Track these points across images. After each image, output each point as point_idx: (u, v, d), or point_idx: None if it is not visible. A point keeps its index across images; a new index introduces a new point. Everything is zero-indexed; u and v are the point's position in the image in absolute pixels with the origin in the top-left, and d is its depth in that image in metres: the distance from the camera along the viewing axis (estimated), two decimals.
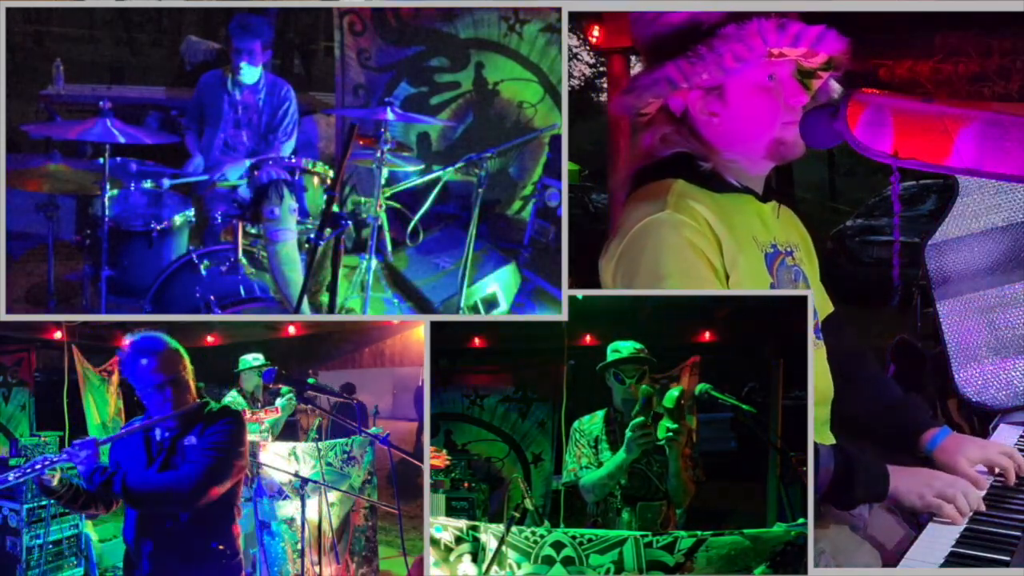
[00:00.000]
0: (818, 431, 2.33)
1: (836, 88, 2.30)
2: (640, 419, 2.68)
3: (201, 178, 4.12)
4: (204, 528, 2.45)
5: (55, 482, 2.37)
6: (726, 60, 2.12)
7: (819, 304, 2.42)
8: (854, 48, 2.20)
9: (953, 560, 2.01)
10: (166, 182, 4.00)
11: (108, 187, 3.55)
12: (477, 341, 3.43)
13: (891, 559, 2.19)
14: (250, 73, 4.24)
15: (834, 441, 2.34)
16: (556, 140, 4.50)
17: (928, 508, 2.18)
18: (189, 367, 2.53)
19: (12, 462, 3.03)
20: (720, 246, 2.13)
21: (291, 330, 3.69)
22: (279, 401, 3.60)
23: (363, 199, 4.02)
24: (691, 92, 2.20)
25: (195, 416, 2.49)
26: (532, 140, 4.58)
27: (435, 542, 2.66)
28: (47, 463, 2.35)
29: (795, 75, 2.20)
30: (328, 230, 3.11)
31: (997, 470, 2.34)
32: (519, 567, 2.58)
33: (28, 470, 2.35)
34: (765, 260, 2.22)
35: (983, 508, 2.19)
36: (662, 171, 2.22)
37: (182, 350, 2.53)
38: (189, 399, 2.50)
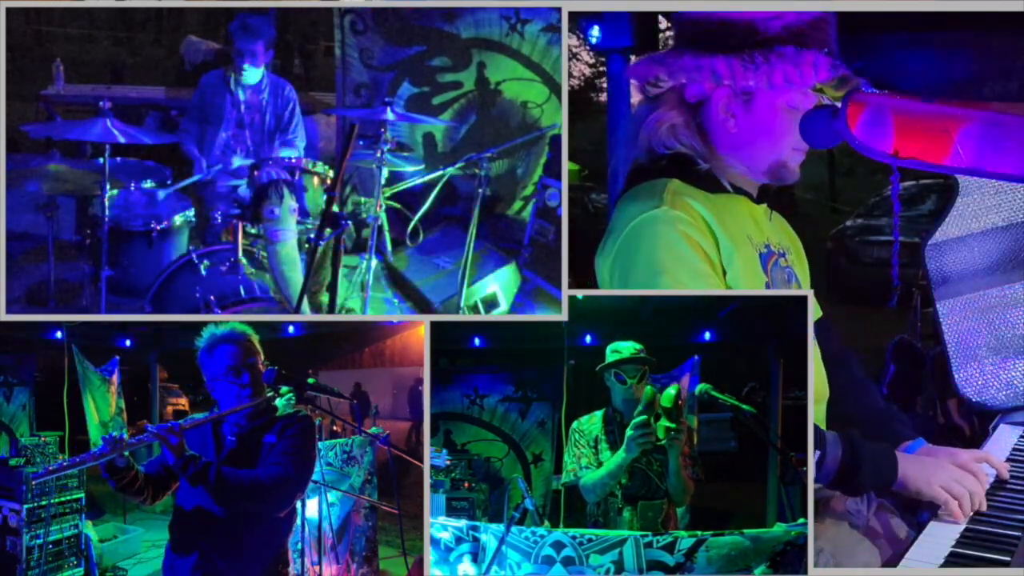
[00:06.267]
0: None
1: None
2: (642, 418, 2.68)
3: (197, 177, 4.11)
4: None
5: (125, 463, 2.30)
6: (776, 76, 2.13)
7: None
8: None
9: (953, 560, 2.01)
10: (161, 193, 3.99)
11: (108, 187, 3.55)
12: (477, 341, 3.43)
13: (891, 559, 2.19)
14: (253, 74, 4.24)
15: None
16: (556, 140, 4.51)
17: (934, 499, 2.18)
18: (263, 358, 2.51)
19: (12, 462, 3.03)
20: (717, 242, 2.13)
21: (291, 330, 3.69)
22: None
23: (363, 199, 4.03)
24: (721, 88, 2.20)
25: (265, 410, 2.47)
26: (535, 140, 4.58)
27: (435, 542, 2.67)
28: (131, 445, 2.26)
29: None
30: (328, 230, 3.11)
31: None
32: (519, 567, 2.58)
33: (107, 448, 2.24)
34: (760, 260, 2.23)
35: (984, 508, 2.19)
36: (657, 171, 2.21)
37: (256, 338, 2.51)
38: (260, 392, 2.47)
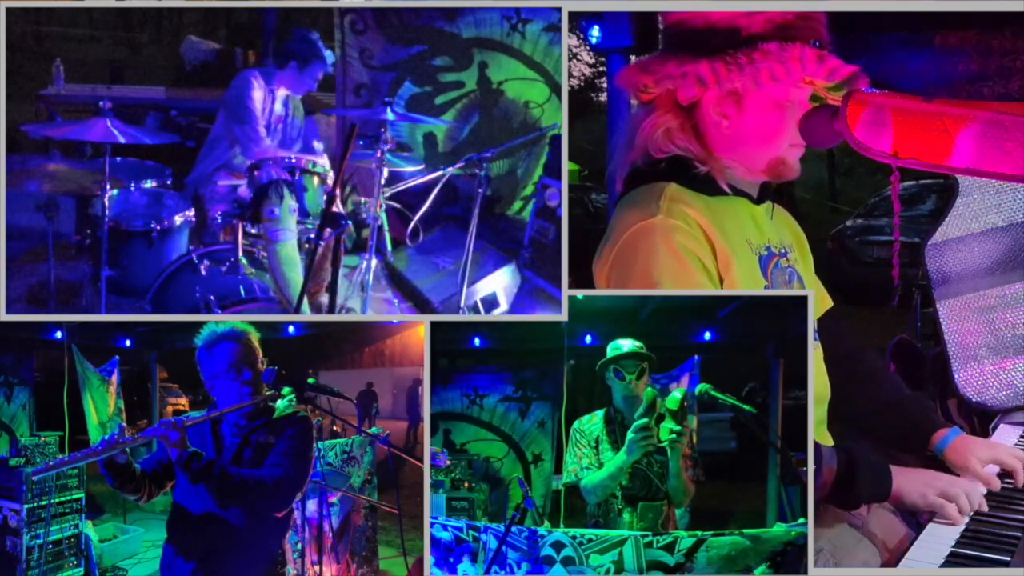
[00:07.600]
0: (815, 431, 2.33)
1: None
2: (643, 420, 2.67)
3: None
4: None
5: (125, 460, 2.31)
6: (762, 75, 2.10)
7: (816, 300, 2.42)
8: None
9: (953, 560, 2.01)
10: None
11: (108, 187, 3.55)
12: (477, 341, 3.43)
13: (891, 559, 2.19)
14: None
15: (831, 440, 2.34)
16: (556, 140, 4.51)
17: (930, 508, 2.18)
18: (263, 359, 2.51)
19: (12, 462, 3.03)
20: (713, 251, 2.12)
21: (291, 330, 3.70)
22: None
23: (363, 199, 4.03)
24: (711, 90, 2.17)
25: (265, 410, 2.47)
26: (535, 140, 4.59)
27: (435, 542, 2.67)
28: (133, 442, 2.28)
29: (810, 100, 2.20)
30: (328, 230, 3.11)
31: (1005, 471, 2.34)
32: (519, 567, 2.58)
33: (106, 446, 2.26)
34: (759, 263, 2.21)
35: (985, 508, 2.19)
36: (655, 174, 2.20)
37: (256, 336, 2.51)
38: (260, 391, 2.48)
